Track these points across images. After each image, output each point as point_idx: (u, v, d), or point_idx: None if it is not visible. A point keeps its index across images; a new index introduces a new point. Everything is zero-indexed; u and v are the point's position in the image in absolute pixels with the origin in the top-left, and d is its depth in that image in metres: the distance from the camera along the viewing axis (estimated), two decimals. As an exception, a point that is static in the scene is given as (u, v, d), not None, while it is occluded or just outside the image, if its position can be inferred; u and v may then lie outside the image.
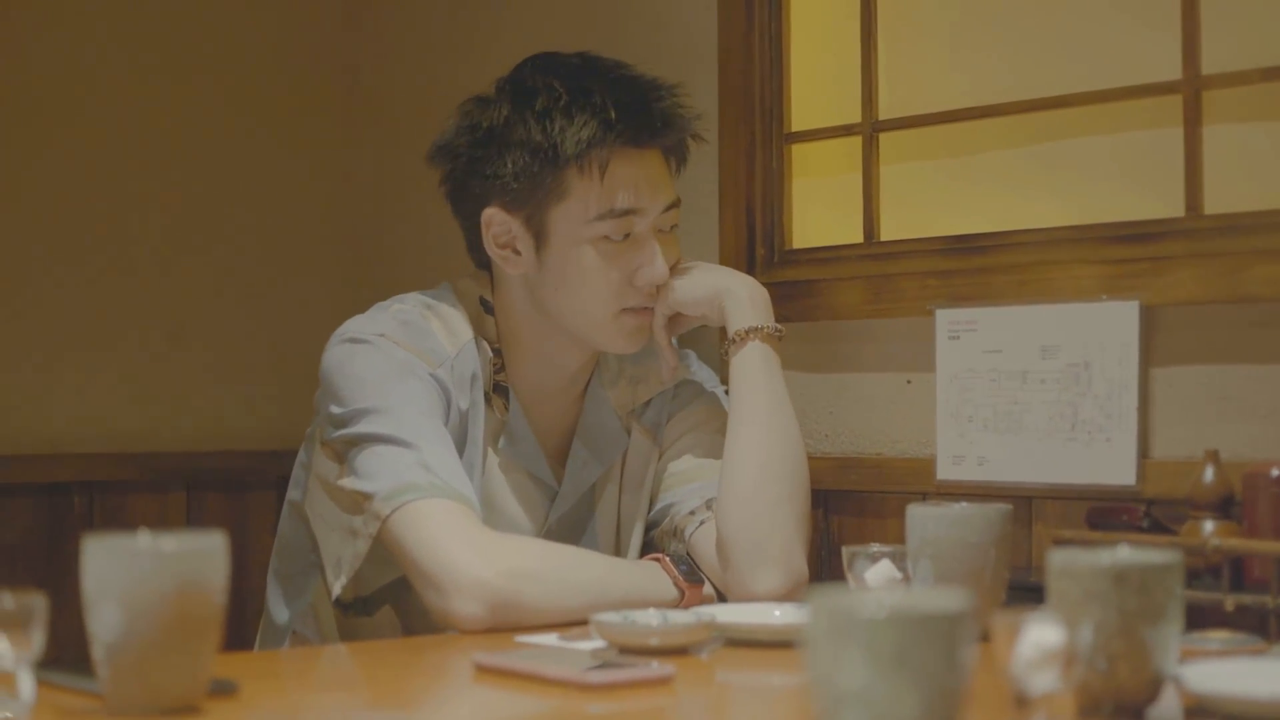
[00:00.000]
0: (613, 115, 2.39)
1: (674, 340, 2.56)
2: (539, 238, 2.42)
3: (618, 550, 2.58)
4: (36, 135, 3.31)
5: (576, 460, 2.55)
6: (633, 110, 2.41)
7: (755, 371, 2.44)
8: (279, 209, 3.63)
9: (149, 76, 3.45)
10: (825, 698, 1.19)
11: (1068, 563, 1.49)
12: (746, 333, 2.44)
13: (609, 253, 2.41)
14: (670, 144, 2.48)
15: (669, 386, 2.60)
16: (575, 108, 2.39)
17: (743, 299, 2.46)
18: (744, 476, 2.40)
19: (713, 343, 2.56)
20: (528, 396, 2.51)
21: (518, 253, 2.45)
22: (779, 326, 2.46)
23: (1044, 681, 1.31)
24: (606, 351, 2.52)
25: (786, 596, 2.33)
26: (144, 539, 1.52)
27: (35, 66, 3.31)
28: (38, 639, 1.49)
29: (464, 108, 2.49)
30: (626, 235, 2.42)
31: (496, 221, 2.44)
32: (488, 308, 2.51)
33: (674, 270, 2.47)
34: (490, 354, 2.47)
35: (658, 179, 2.44)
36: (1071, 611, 1.47)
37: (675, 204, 2.47)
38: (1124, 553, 1.53)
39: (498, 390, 2.48)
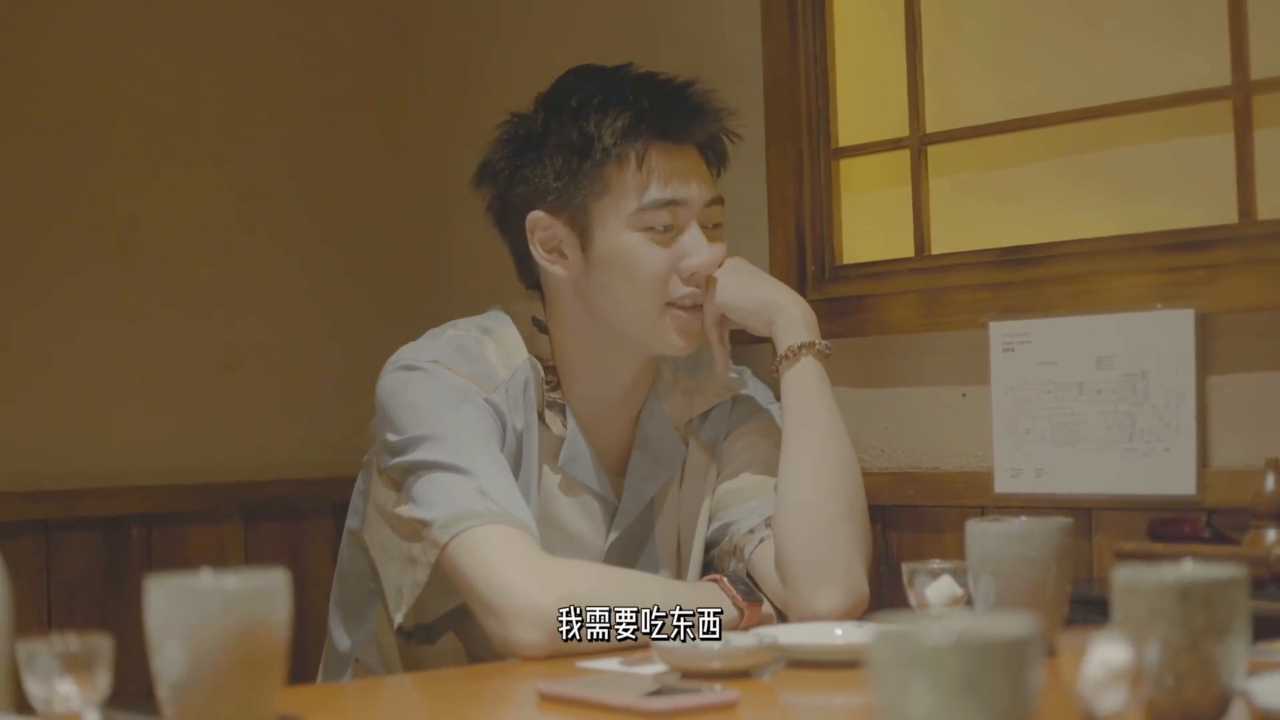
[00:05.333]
0: (646, 106, 2.42)
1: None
2: (583, 236, 2.43)
3: (679, 565, 2.57)
4: (92, 170, 3.32)
5: (635, 474, 2.55)
6: (665, 102, 2.45)
7: (808, 388, 2.44)
8: (332, 238, 3.64)
9: (203, 110, 3.47)
10: (893, 725, 1.19)
11: (1132, 580, 1.48)
12: (799, 349, 2.44)
13: (653, 244, 2.42)
14: (706, 140, 2.50)
15: (725, 399, 2.59)
16: (609, 104, 2.43)
17: (794, 316, 2.46)
18: (801, 494, 2.39)
19: (766, 359, 2.55)
20: (584, 412, 2.51)
21: (564, 255, 2.46)
22: (828, 344, 2.46)
23: (1112, 700, 1.30)
24: (659, 352, 2.51)
25: (848, 614, 2.33)
26: (207, 578, 1.52)
27: (87, 99, 3.33)
28: (103, 680, 1.50)
29: (502, 125, 2.52)
30: (669, 227, 2.42)
31: (541, 225, 2.46)
32: (540, 326, 2.52)
33: (725, 265, 2.47)
34: (544, 372, 2.48)
35: (697, 173, 2.47)
36: (1137, 629, 1.46)
37: (718, 200, 2.49)
38: (1188, 568, 1.52)
39: (554, 408, 2.48)
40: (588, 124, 2.42)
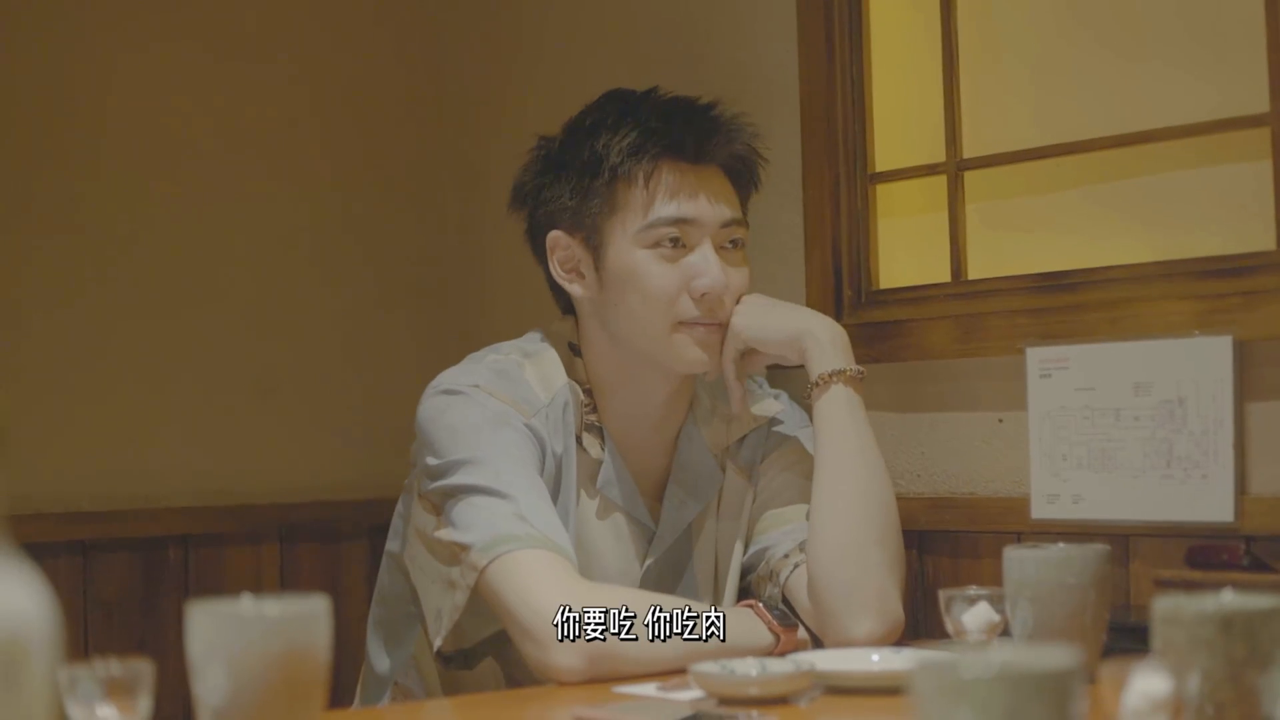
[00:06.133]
0: (655, 124, 2.44)
1: (758, 379, 2.57)
2: (597, 254, 2.45)
3: (716, 589, 2.57)
4: (135, 195, 3.34)
5: (673, 499, 2.55)
6: (676, 120, 2.46)
7: (840, 414, 2.43)
8: (369, 262, 3.65)
9: (245, 139, 3.48)
10: (934, 756, 1.19)
11: (1173, 610, 1.48)
12: (830, 376, 2.44)
13: (661, 261, 2.43)
14: (726, 160, 2.50)
15: (763, 424, 2.59)
16: (621, 123, 2.45)
17: (824, 342, 2.45)
18: (834, 521, 2.39)
19: (803, 383, 2.55)
20: (621, 437, 2.52)
21: (582, 275, 2.48)
22: (860, 368, 2.46)
23: (1153, 731, 1.30)
24: (680, 370, 2.50)
25: (883, 640, 2.32)
26: (248, 604, 1.53)
27: (131, 125, 3.34)
28: (144, 705, 1.50)
29: (531, 150, 2.54)
30: (678, 243, 2.43)
31: (560, 245, 2.48)
32: (576, 350, 2.53)
33: (745, 302, 2.47)
34: (582, 396, 2.48)
35: (714, 193, 2.47)
36: (1178, 659, 1.45)
37: (736, 222, 2.48)
38: (1229, 598, 1.52)
39: (592, 430, 2.49)
40: (598, 143, 2.45)
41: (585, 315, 2.52)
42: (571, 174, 2.47)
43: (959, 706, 1.16)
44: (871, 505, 2.40)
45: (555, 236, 2.49)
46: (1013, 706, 1.14)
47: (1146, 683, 1.31)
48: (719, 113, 2.51)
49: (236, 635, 1.50)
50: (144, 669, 1.50)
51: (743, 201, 2.53)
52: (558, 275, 2.50)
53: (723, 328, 2.47)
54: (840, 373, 2.44)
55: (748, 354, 2.49)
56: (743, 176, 2.54)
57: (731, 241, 2.48)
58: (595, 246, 2.46)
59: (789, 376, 2.72)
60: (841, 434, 2.43)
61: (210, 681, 1.51)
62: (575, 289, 2.49)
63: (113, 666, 1.49)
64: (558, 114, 2.57)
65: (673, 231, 2.42)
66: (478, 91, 3.69)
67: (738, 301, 2.48)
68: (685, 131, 2.45)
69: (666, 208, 2.42)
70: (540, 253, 2.54)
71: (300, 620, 1.53)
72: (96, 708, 1.49)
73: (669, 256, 2.43)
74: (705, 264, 2.44)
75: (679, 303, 2.44)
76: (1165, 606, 1.49)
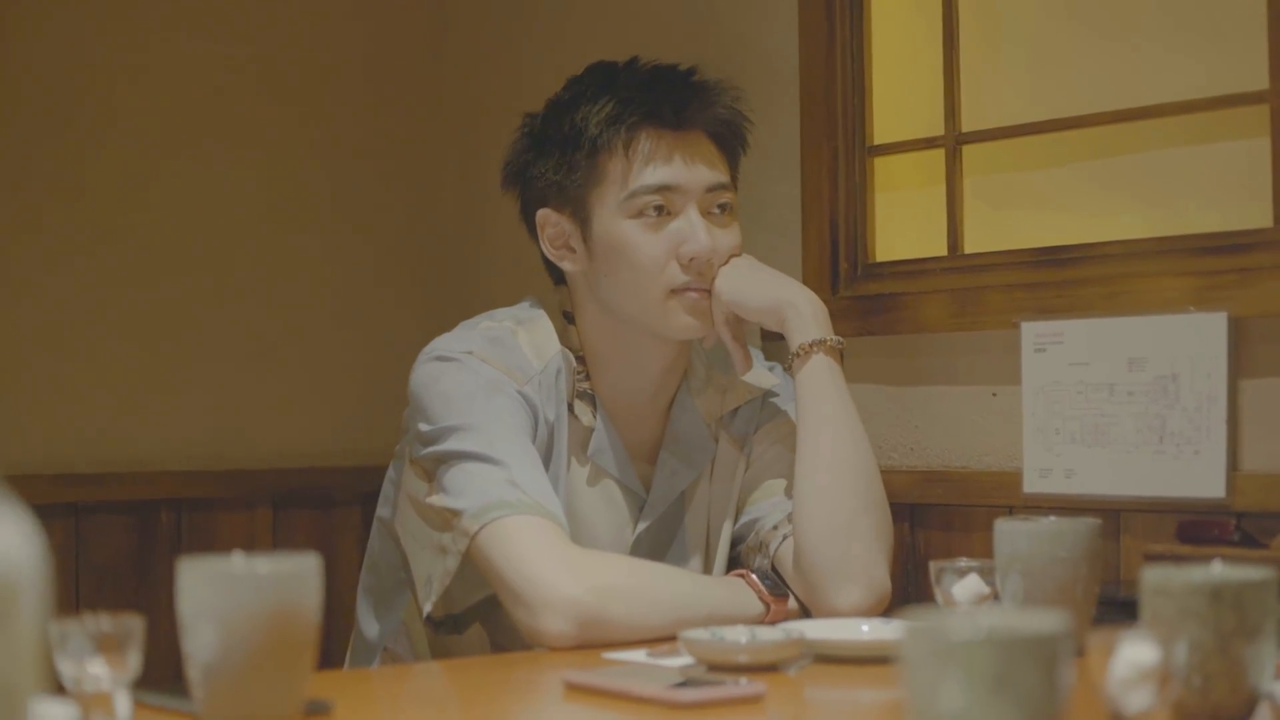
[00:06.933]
0: (630, 94, 2.43)
1: (755, 351, 2.57)
2: (585, 227, 2.45)
3: (706, 558, 2.57)
4: (127, 159, 3.34)
5: (665, 468, 2.55)
6: (652, 88, 2.45)
7: (822, 385, 2.42)
8: (364, 229, 3.65)
9: (240, 99, 3.48)
10: (922, 720, 1.19)
11: (1162, 580, 1.49)
12: (810, 346, 2.43)
13: (646, 230, 2.42)
14: (709, 124, 2.49)
15: (758, 396, 2.59)
16: (599, 94, 2.45)
17: (804, 313, 2.44)
18: (818, 490, 2.39)
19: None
20: (614, 405, 2.52)
21: (572, 250, 2.48)
22: (840, 339, 2.45)
23: (1140, 700, 1.30)
24: (674, 337, 2.50)
25: (869, 611, 2.32)
26: (239, 561, 1.53)
27: (126, 91, 3.34)
28: (134, 661, 1.50)
29: (518, 128, 2.54)
30: (662, 211, 2.42)
31: (550, 222, 2.49)
32: (570, 318, 2.53)
33: (731, 264, 2.46)
34: (575, 364, 2.48)
35: (696, 157, 2.46)
36: (1167, 629, 1.46)
37: (722, 185, 2.47)
38: (1219, 570, 1.52)
39: (584, 398, 2.48)
40: (577, 116, 2.44)
41: (578, 287, 2.52)
42: (555, 149, 2.46)
43: (948, 669, 1.16)
44: (854, 475, 2.39)
45: (544, 214, 2.49)
46: (1002, 670, 1.15)
47: (1134, 652, 1.31)
48: (699, 78, 2.50)
49: (227, 592, 1.50)
50: (134, 625, 1.50)
51: (731, 165, 2.52)
52: (549, 252, 2.50)
53: (708, 293, 2.46)
54: (821, 343, 2.43)
55: (733, 318, 2.48)
56: (728, 140, 2.52)
57: (719, 206, 2.47)
58: (582, 220, 2.45)
59: (780, 349, 2.72)
60: (821, 405, 2.42)
61: (200, 639, 1.51)
62: (567, 264, 2.49)
63: (103, 622, 1.49)
64: (556, 84, 2.57)
65: (656, 199, 2.42)
66: (476, 64, 3.68)
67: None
68: (663, 97, 2.44)
69: (647, 175, 2.42)
70: (534, 231, 2.53)
71: (290, 579, 1.53)
72: (86, 663, 1.49)
73: (654, 225, 2.42)
74: (691, 229, 2.43)
75: (668, 270, 2.43)
76: (1154, 577, 1.49)
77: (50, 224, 3.25)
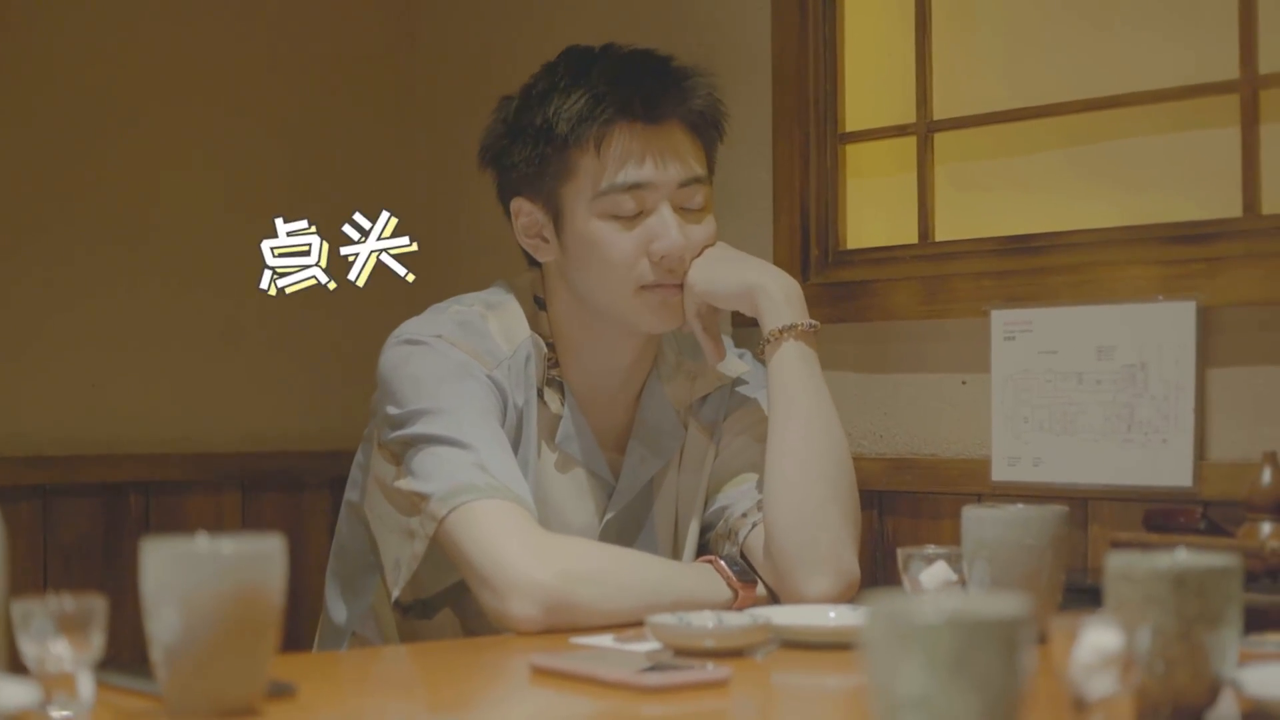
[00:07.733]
0: (603, 89, 2.40)
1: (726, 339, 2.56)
2: (557, 220, 2.44)
3: (675, 545, 2.57)
4: (95, 145, 3.33)
5: (634, 455, 2.54)
6: (625, 83, 2.41)
7: (793, 370, 2.41)
8: (338, 210, 3.63)
9: (206, 85, 3.47)
10: (883, 703, 1.19)
11: (1126, 566, 1.49)
12: (781, 331, 2.40)
13: (619, 230, 2.40)
14: (684, 115, 2.46)
15: (727, 383, 2.58)
16: (570, 87, 2.41)
17: (776, 297, 2.42)
18: (787, 478, 2.37)
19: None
20: (583, 391, 2.51)
21: (545, 240, 2.47)
22: (814, 322, 2.42)
23: (1102, 685, 1.30)
24: (645, 330, 2.49)
25: (838, 598, 2.32)
26: (203, 542, 1.53)
27: (94, 80, 3.33)
28: (97, 641, 1.50)
29: (494, 110, 2.52)
30: (635, 211, 2.41)
31: (523, 211, 2.47)
32: (541, 304, 2.52)
33: (704, 255, 2.45)
34: (545, 349, 2.47)
35: (669, 153, 2.42)
36: (1130, 615, 1.46)
37: (696, 180, 2.44)
38: (1183, 556, 1.52)
39: (553, 385, 2.48)
40: (549, 109, 2.41)
41: (551, 274, 2.51)
42: (528, 140, 2.43)
43: (909, 652, 1.16)
44: (825, 462, 2.38)
45: (518, 204, 2.47)
46: (962, 653, 1.15)
47: (1098, 637, 1.31)
48: (672, 68, 2.47)
49: (190, 572, 1.50)
50: (97, 605, 1.50)
51: (708, 154, 2.50)
52: (522, 241, 2.49)
53: (679, 289, 2.45)
54: (792, 327, 2.40)
55: (706, 307, 2.47)
56: (704, 130, 2.49)
57: (693, 200, 2.45)
58: (554, 213, 2.44)
59: (751, 335, 2.71)
60: (793, 391, 2.40)
61: (163, 619, 1.51)
62: (540, 254, 2.48)
63: (66, 602, 1.49)
64: (529, 70, 2.55)
65: (627, 199, 2.40)
66: (447, 50, 3.68)
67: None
68: (634, 92, 2.41)
69: (619, 174, 2.39)
70: (505, 209, 2.53)
71: (254, 559, 1.53)
72: (49, 643, 1.48)
73: (626, 223, 2.41)
74: (663, 226, 2.41)
75: (638, 266, 2.41)
76: (1119, 563, 1.49)
77: (12, 202, 3.24)
